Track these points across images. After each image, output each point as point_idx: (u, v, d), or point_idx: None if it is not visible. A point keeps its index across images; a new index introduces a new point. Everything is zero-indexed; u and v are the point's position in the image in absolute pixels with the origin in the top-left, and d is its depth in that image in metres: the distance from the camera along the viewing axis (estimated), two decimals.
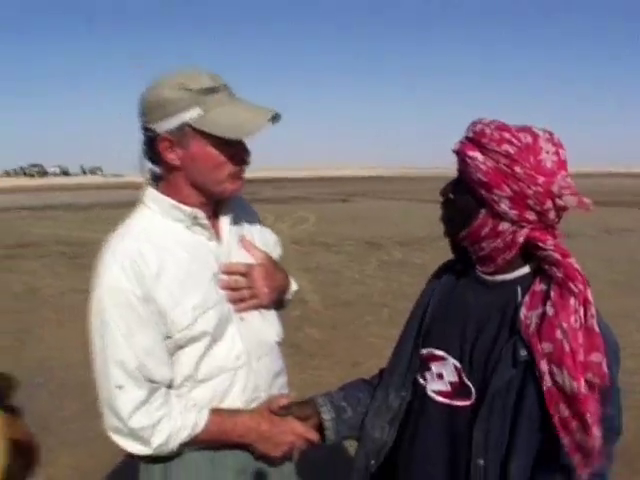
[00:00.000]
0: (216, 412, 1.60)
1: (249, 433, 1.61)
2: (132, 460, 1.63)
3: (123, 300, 1.50)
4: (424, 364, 1.52)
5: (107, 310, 1.50)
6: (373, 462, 1.61)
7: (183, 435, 1.55)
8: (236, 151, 1.57)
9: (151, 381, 1.53)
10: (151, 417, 1.52)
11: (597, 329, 1.23)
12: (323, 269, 11.24)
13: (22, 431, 1.27)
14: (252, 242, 1.78)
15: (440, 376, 1.47)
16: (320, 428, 1.68)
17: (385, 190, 46.18)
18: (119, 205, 27.48)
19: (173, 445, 1.55)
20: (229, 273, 1.66)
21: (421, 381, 1.52)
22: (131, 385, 1.50)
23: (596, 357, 1.22)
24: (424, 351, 1.52)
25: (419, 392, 1.53)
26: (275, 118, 1.56)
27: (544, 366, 1.25)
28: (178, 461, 1.62)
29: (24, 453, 1.26)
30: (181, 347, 1.57)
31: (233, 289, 1.65)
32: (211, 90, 1.51)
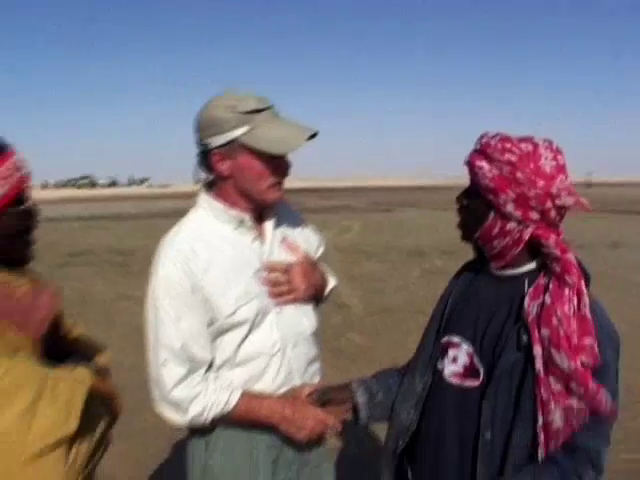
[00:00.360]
0: (247, 394, 1.80)
1: (273, 415, 1.81)
2: (176, 447, 1.82)
3: (172, 291, 1.73)
4: (443, 350, 1.68)
5: (159, 298, 1.73)
6: (401, 442, 1.77)
7: (216, 410, 1.76)
8: (278, 164, 1.78)
9: (192, 361, 1.75)
10: (190, 391, 1.74)
11: (589, 316, 1.39)
12: (366, 277, 11.36)
13: (105, 385, 1.46)
14: (294, 242, 1.97)
15: (455, 360, 1.63)
16: (355, 410, 1.87)
17: (429, 200, 45.95)
18: (165, 214, 27.93)
19: (206, 418, 1.77)
20: (270, 270, 1.85)
21: (439, 366, 1.68)
22: (174, 363, 1.73)
23: (588, 341, 1.38)
24: (444, 339, 1.68)
25: (437, 376, 1.68)
26: (313, 135, 1.76)
27: (538, 349, 1.41)
28: (218, 434, 1.84)
29: (105, 402, 1.45)
30: (223, 332, 1.78)
31: (273, 285, 1.85)
32: (257, 110, 1.71)
